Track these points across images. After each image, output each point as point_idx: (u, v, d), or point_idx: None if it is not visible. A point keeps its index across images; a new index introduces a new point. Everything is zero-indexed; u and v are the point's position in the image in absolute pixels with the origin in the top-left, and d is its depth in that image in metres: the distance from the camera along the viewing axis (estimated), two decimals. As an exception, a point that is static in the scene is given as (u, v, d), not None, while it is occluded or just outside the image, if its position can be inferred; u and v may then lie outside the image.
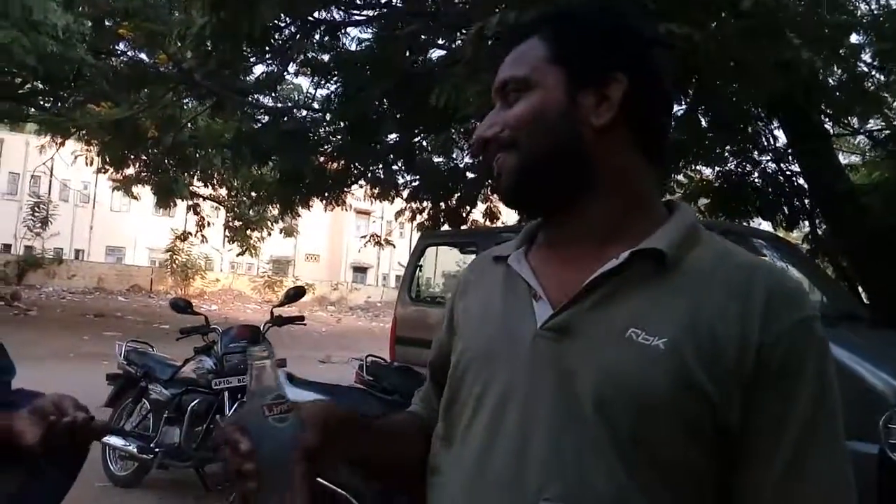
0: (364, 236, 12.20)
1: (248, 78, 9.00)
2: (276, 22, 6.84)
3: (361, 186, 9.62)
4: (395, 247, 14.00)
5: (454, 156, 9.05)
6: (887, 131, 6.49)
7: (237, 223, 18.26)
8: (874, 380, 2.81)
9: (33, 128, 16.15)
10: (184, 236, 18.47)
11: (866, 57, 5.52)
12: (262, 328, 4.14)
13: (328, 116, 8.33)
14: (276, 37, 7.42)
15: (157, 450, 4.09)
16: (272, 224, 17.91)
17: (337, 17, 7.82)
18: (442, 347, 0.91)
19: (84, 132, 12.03)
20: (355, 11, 7.86)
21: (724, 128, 6.16)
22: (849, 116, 6.37)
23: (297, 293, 4.21)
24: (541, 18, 0.82)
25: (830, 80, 5.60)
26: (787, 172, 6.77)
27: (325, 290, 31.15)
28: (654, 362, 0.68)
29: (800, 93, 4.70)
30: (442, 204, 8.79)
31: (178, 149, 11.22)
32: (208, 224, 16.57)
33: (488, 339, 0.80)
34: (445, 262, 7.07)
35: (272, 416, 0.70)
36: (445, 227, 8.55)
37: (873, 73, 5.68)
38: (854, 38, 5.34)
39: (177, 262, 27.23)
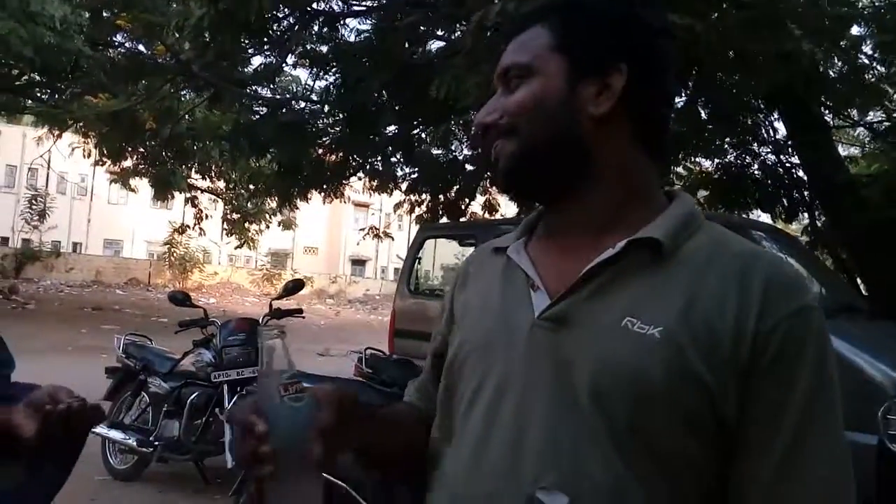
0: (363, 229, 12.18)
1: (246, 69, 8.97)
2: (274, 13, 6.82)
3: (360, 179, 9.60)
4: (393, 239, 14.01)
5: (453, 148, 9.04)
6: (887, 123, 6.50)
7: (235, 216, 18.28)
8: (873, 371, 2.83)
9: (30, 119, 16.09)
10: (182, 229, 18.49)
11: (867, 49, 5.53)
12: (260, 321, 4.13)
13: (327, 108, 8.31)
14: (275, 28, 7.41)
15: (156, 443, 4.10)
16: (270, 217, 17.93)
17: (336, 7, 7.79)
18: (443, 339, 0.91)
19: (81, 124, 11.97)
20: (354, 2, 7.84)
21: (723, 119, 6.16)
22: (849, 108, 6.37)
23: (295, 286, 4.21)
24: (549, 6, 0.81)
25: (831, 72, 5.61)
26: (787, 164, 6.78)
27: (324, 283, 31.12)
28: (649, 351, 0.68)
29: (800, 84, 4.70)
30: (441, 196, 8.78)
31: (175, 141, 11.21)
32: (206, 217, 16.57)
33: (486, 331, 0.80)
34: (444, 254, 7.06)
35: (288, 395, 0.68)
36: (444, 220, 8.53)
37: (874, 64, 5.69)
38: (855, 30, 5.34)
39: (175, 254, 27.16)
